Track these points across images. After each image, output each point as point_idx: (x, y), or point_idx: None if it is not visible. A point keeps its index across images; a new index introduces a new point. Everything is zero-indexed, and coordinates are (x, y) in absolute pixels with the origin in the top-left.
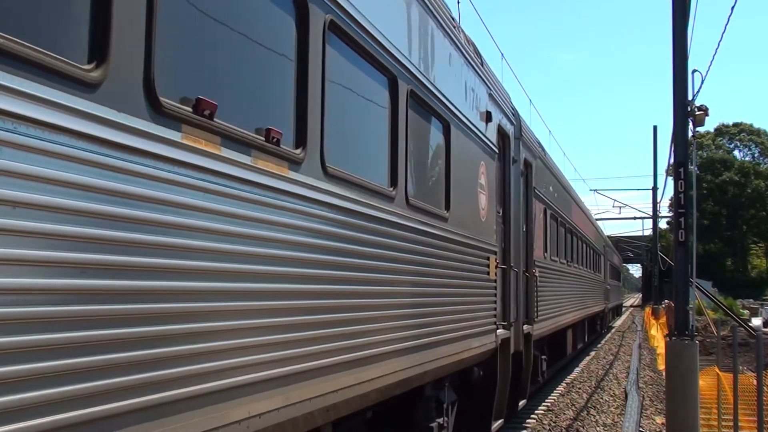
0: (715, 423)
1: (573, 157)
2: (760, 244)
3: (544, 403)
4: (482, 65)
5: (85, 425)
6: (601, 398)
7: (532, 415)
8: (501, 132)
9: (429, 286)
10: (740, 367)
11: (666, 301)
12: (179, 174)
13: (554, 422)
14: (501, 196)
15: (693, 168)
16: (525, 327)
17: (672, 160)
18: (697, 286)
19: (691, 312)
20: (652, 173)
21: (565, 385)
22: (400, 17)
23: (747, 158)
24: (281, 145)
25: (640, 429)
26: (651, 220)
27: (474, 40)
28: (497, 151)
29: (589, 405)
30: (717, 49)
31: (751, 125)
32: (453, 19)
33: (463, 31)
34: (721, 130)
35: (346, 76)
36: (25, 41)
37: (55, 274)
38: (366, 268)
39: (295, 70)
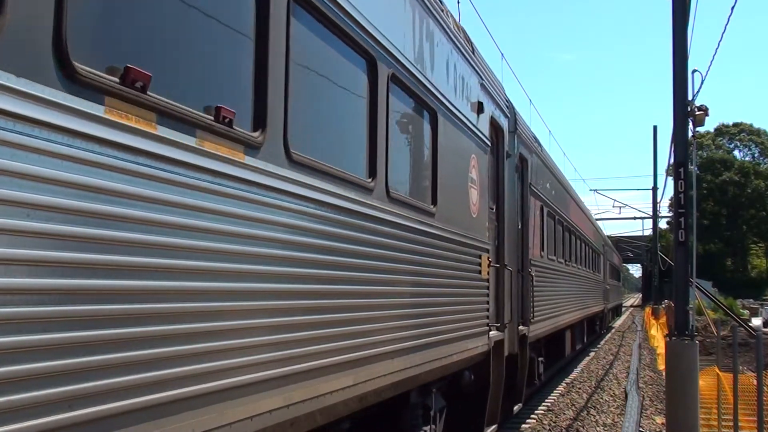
0: (715, 423)
1: (573, 157)
2: (760, 244)
3: (544, 403)
4: (473, 53)
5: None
6: (601, 398)
7: (532, 416)
8: (494, 124)
9: (414, 286)
10: (740, 367)
11: (666, 301)
12: (100, 154)
13: (554, 422)
14: (494, 191)
15: (693, 168)
16: (520, 328)
17: (672, 160)
18: (697, 286)
19: (691, 312)
20: (652, 173)
21: (565, 385)
22: None
23: (747, 158)
24: (234, 127)
25: (640, 429)
26: (651, 220)
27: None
28: (490, 144)
29: (589, 405)
30: (717, 49)
31: (751, 125)
32: (441, 2)
33: (452, 15)
34: (721, 130)
35: (316, 56)
36: None
37: None
38: (340, 266)
39: (254, 44)
